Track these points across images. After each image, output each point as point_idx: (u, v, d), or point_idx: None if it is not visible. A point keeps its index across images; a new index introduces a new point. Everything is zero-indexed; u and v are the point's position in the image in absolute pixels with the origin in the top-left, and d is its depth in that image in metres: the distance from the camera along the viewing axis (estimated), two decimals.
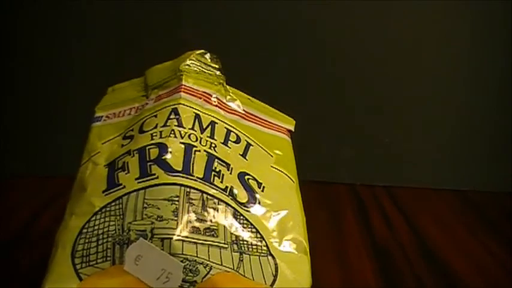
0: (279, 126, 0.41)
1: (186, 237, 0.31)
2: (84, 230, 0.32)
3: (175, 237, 0.31)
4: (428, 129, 0.77)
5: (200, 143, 0.35)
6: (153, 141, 0.34)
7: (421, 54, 0.74)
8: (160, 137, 0.34)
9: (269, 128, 0.40)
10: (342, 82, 0.75)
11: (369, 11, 0.73)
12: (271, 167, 0.38)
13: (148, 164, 0.33)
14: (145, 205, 0.32)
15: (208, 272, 0.31)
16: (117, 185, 0.33)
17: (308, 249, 0.35)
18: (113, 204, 0.33)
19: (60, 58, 0.72)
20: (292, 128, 0.41)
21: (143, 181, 0.33)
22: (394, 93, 0.76)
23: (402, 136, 0.78)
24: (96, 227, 0.32)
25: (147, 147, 0.34)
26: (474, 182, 0.78)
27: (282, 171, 0.38)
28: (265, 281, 0.32)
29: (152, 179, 0.32)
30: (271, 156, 0.38)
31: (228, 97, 0.40)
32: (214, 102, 0.38)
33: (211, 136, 0.36)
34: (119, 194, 0.33)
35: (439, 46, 0.74)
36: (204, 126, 0.36)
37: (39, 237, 0.56)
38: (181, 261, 0.31)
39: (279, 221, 0.35)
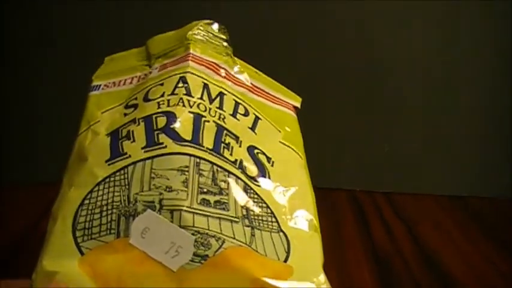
0: (285, 102, 0.38)
1: (197, 209, 0.29)
2: (86, 201, 0.29)
3: (185, 209, 0.28)
4: (428, 136, 0.76)
5: (209, 113, 0.32)
6: (160, 110, 0.31)
7: (422, 61, 0.73)
8: (168, 106, 0.31)
9: (276, 103, 0.38)
10: (341, 89, 0.73)
11: (370, 13, 0.71)
12: (280, 142, 0.35)
13: (156, 132, 0.30)
14: (152, 175, 0.29)
15: (220, 246, 0.28)
16: (121, 154, 0.30)
17: (319, 228, 0.33)
18: (118, 174, 0.30)
19: (60, 66, 0.69)
20: (298, 105, 0.39)
21: (150, 150, 0.30)
22: (394, 100, 0.75)
23: (402, 143, 0.76)
24: (99, 198, 0.29)
25: (153, 116, 0.31)
26: (474, 189, 0.77)
27: (291, 147, 0.35)
28: (278, 257, 0.30)
29: (160, 148, 0.30)
30: (279, 131, 0.36)
31: (236, 69, 0.37)
32: (223, 73, 0.35)
33: (220, 107, 0.33)
34: (124, 163, 0.30)
35: (441, 55, 0.73)
36: (213, 97, 0.33)
37: (38, 245, 0.54)
38: (193, 234, 0.28)
39: (289, 197, 0.33)
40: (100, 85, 0.36)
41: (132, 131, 0.31)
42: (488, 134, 0.75)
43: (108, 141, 0.31)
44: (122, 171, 0.30)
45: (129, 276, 0.28)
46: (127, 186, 0.29)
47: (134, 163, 0.30)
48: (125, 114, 0.33)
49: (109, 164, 0.30)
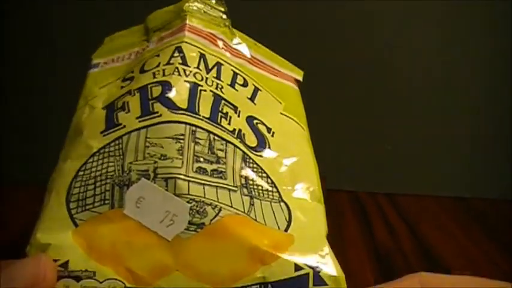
0: (286, 74, 0.37)
1: (192, 177, 0.28)
2: (81, 173, 0.28)
3: (180, 177, 0.27)
4: (430, 137, 0.75)
5: (206, 82, 0.31)
6: (155, 80, 0.30)
7: (423, 62, 0.72)
8: (163, 75, 0.30)
9: (276, 76, 0.36)
10: (343, 90, 0.72)
11: (370, 14, 0.70)
12: (281, 113, 0.34)
13: (151, 102, 0.29)
14: (147, 144, 0.28)
15: (217, 214, 0.27)
16: (116, 125, 0.29)
17: (322, 198, 0.31)
18: (112, 144, 0.28)
19: (60, 66, 0.69)
20: (300, 78, 0.38)
21: (145, 119, 0.29)
22: (395, 98, 0.73)
23: (404, 144, 0.75)
24: (93, 169, 0.28)
25: (148, 86, 0.30)
26: (476, 190, 0.76)
27: (292, 118, 0.34)
28: (278, 227, 0.28)
29: (155, 117, 0.28)
30: (280, 103, 0.35)
31: (234, 40, 0.36)
32: (220, 44, 0.34)
33: (218, 77, 0.32)
34: (119, 134, 0.29)
35: (442, 56, 0.72)
36: (210, 67, 0.32)
37: None
38: (188, 202, 0.27)
39: (291, 167, 0.31)
40: (99, 63, 0.35)
41: (127, 102, 0.30)
42: (490, 134, 0.74)
43: (104, 114, 0.30)
44: (117, 142, 0.29)
45: (123, 246, 0.27)
46: (121, 156, 0.28)
47: (129, 133, 0.28)
48: (122, 87, 0.32)
49: (104, 135, 0.29)
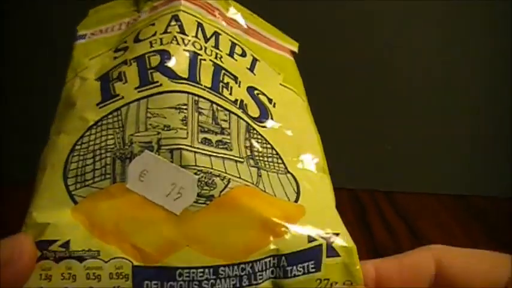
0: (282, 45, 0.36)
1: (198, 148, 0.26)
2: (77, 147, 0.26)
3: (186, 147, 0.25)
4: (430, 135, 0.74)
5: (205, 52, 0.29)
6: (153, 49, 0.28)
7: (422, 60, 0.71)
8: (161, 44, 0.28)
9: (273, 47, 0.35)
10: (342, 88, 0.71)
11: (370, 14, 0.69)
12: (280, 84, 0.32)
13: (149, 71, 0.27)
14: (148, 115, 0.26)
15: (226, 185, 0.25)
16: (113, 96, 0.27)
17: (327, 169, 0.30)
18: (110, 116, 0.26)
19: (60, 66, 0.66)
20: (295, 49, 0.36)
21: (145, 90, 0.27)
22: (395, 98, 0.73)
23: (403, 141, 0.74)
24: (91, 143, 0.26)
25: (146, 55, 0.28)
26: (475, 187, 0.75)
27: (292, 89, 0.33)
28: (288, 198, 0.27)
29: (155, 87, 0.27)
30: (279, 74, 0.33)
31: (231, 10, 0.34)
32: (216, 13, 0.32)
33: (216, 46, 0.30)
34: (117, 105, 0.27)
35: (442, 55, 0.71)
36: (208, 36, 0.30)
37: None
38: (195, 173, 0.25)
39: (294, 138, 0.30)
40: (86, 34, 0.33)
41: (124, 72, 0.28)
42: (489, 133, 0.73)
43: (98, 85, 0.28)
44: (115, 113, 0.27)
45: (128, 223, 0.25)
46: (121, 128, 0.26)
47: (128, 104, 0.27)
48: (115, 58, 0.30)
49: (100, 107, 0.27)
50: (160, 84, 0.27)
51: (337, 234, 0.27)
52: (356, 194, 0.73)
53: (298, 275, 0.26)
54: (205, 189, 0.25)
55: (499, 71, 0.71)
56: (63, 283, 0.24)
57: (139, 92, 0.27)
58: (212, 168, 0.26)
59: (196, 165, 0.25)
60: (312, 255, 0.26)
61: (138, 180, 0.25)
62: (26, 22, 0.68)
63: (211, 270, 0.25)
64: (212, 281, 0.25)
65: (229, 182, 0.26)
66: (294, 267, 0.26)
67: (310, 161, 0.29)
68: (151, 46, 0.28)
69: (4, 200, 0.65)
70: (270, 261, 0.25)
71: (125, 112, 0.27)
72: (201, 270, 0.25)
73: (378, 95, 0.73)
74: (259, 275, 0.25)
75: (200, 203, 0.25)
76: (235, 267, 0.25)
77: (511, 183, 0.73)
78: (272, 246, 0.25)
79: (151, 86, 0.27)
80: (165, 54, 0.28)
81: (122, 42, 0.30)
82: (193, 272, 0.24)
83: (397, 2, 0.70)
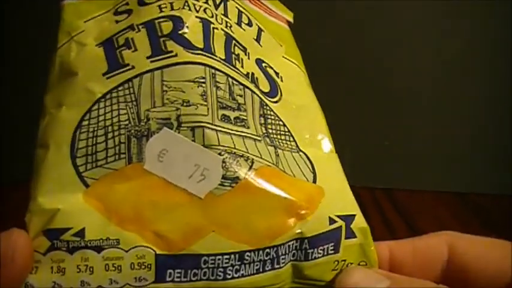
0: (280, 15, 0.33)
1: (219, 126, 0.24)
2: (85, 123, 0.23)
3: (208, 126, 0.23)
4: (429, 132, 0.73)
5: (216, 20, 0.27)
6: (163, 14, 0.25)
7: (423, 58, 0.70)
8: (172, 9, 0.25)
9: (273, 17, 0.33)
10: (341, 84, 0.69)
11: (370, 11, 0.68)
12: (283, 57, 0.30)
13: (162, 39, 0.24)
14: (165, 88, 0.24)
15: (251, 166, 0.24)
16: (122, 65, 0.24)
17: (334, 148, 0.30)
18: (121, 88, 0.23)
19: None
20: (291, 20, 0.34)
21: (158, 60, 0.24)
22: (394, 95, 0.71)
23: (402, 138, 0.73)
24: (101, 118, 0.23)
25: (156, 21, 0.25)
26: (475, 185, 0.75)
27: (294, 62, 0.31)
28: (306, 178, 0.26)
29: (170, 57, 0.24)
30: (281, 45, 0.31)
31: None
32: None
33: (225, 14, 0.28)
34: (128, 76, 0.24)
35: (441, 50, 0.70)
36: (217, 2, 0.27)
37: None
38: (219, 154, 0.23)
39: (301, 115, 0.28)
40: None
41: (132, 39, 0.25)
42: (489, 130, 0.73)
43: (102, 52, 0.25)
44: (126, 85, 0.24)
45: (148, 208, 0.22)
46: (135, 102, 0.23)
47: (140, 75, 0.24)
48: (117, 22, 0.26)
49: (108, 78, 0.24)
50: (176, 54, 0.24)
51: (354, 214, 0.26)
52: (355, 190, 0.72)
53: (318, 257, 0.25)
54: (231, 171, 0.23)
55: (499, 69, 0.71)
56: (79, 276, 0.21)
57: (152, 62, 0.24)
58: (235, 148, 0.24)
59: (220, 145, 0.23)
60: (332, 237, 0.25)
61: (157, 160, 0.23)
62: (26, 22, 0.64)
63: (237, 256, 0.23)
64: (237, 266, 0.23)
65: (253, 162, 0.24)
66: (315, 250, 0.25)
67: (318, 139, 0.28)
68: (161, 11, 0.25)
69: (4, 199, 0.60)
70: (293, 244, 0.24)
71: (138, 84, 0.24)
72: (227, 256, 0.23)
73: (375, 90, 0.71)
74: (282, 259, 0.24)
75: (226, 186, 0.23)
76: (261, 251, 0.23)
77: (510, 181, 0.73)
78: (297, 230, 0.24)
79: (165, 55, 0.24)
80: (178, 21, 0.25)
81: (121, 4, 0.27)
82: (219, 259, 0.23)
83: (399, 2, 0.69)
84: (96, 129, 0.23)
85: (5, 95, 0.67)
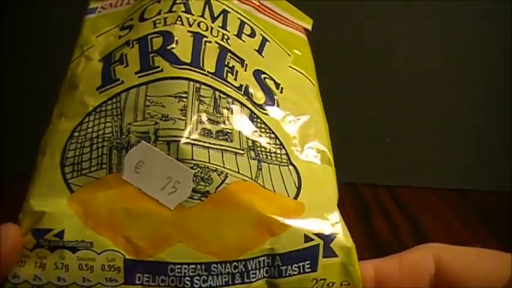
0: (296, 23, 0.32)
1: (197, 140, 0.24)
2: (76, 134, 0.24)
3: (183, 140, 0.23)
4: (430, 129, 0.71)
5: (211, 33, 0.26)
6: (156, 29, 0.26)
7: (423, 55, 0.67)
8: (165, 24, 0.26)
9: (285, 25, 0.32)
10: (343, 83, 0.67)
11: (370, 11, 0.66)
12: (290, 67, 0.29)
13: (151, 55, 0.25)
14: (147, 103, 0.24)
15: (223, 181, 0.23)
16: (114, 80, 0.25)
17: (332, 160, 0.28)
18: (109, 102, 0.24)
19: (64, 59, 0.65)
20: (309, 27, 0.33)
21: (145, 75, 0.24)
22: (396, 93, 0.69)
23: (404, 136, 0.71)
24: (89, 130, 0.24)
25: (148, 37, 0.26)
26: (476, 182, 0.72)
27: (302, 73, 0.30)
28: (288, 194, 0.25)
29: (155, 73, 0.24)
30: (289, 55, 0.30)
31: None
32: None
33: (223, 27, 0.27)
34: (116, 90, 0.25)
35: (441, 48, 0.67)
36: (216, 15, 0.27)
37: None
38: (192, 167, 0.23)
39: (300, 127, 0.27)
40: (96, 8, 0.30)
41: (125, 55, 0.25)
42: (490, 127, 0.70)
43: (101, 67, 0.26)
44: (114, 99, 0.24)
45: (122, 215, 0.23)
46: (119, 116, 0.24)
47: (127, 90, 0.24)
48: (120, 37, 0.27)
49: (100, 92, 0.25)
50: (161, 70, 0.24)
51: (335, 234, 0.25)
52: (356, 188, 0.71)
53: (294, 275, 0.24)
54: (201, 185, 0.23)
55: (499, 67, 0.67)
56: (56, 272, 0.23)
57: (139, 77, 0.24)
58: (209, 163, 0.23)
59: (193, 159, 0.23)
60: (308, 255, 0.24)
61: (134, 171, 0.24)
62: (26, 22, 0.66)
63: (203, 266, 0.23)
64: (204, 277, 0.23)
65: (226, 177, 0.23)
66: (289, 267, 0.24)
67: (315, 152, 0.27)
68: (155, 26, 0.26)
69: (6, 192, 0.62)
70: (264, 260, 0.24)
71: (124, 98, 0.24)
72: (193, 266, 0.23)
73: (377, 87, 0.69)
74: (253, 274, 0.24)
75: (195, 199, 0.23)
76: (228, 264, 0.23)
77: (510, 178, 0.70)
78: (267, 246, 0.23)
79: (151, 71, 0.24)
80: (168, 36, 0.25)
81: (128, 19, 0.28)
82: (185, 268, 0.23)
83: (399, 2, 0.66)
84: (84, 140, 0.24)
85: (5, 95, 0.68)
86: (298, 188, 0.25)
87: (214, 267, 0.23)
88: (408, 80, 0.69)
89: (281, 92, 0.28)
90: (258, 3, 0.31)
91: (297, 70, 0.29)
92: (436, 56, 0.68)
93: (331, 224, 0.25)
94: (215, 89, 0.25)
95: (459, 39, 0.67)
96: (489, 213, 0.65)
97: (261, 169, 0.25)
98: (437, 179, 0.72)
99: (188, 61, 0.25)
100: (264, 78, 0.27)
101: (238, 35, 0.28)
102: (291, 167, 0.26)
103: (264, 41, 0.29)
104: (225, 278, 0.23)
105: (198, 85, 0.25)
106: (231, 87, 0.26)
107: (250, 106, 0.26)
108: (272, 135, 0.26)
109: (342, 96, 0.68)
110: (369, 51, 0.68)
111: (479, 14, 0.66)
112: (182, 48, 0.25)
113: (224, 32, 0.27)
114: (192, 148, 0.24)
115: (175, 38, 0.25)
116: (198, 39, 0.26)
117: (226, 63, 0.26)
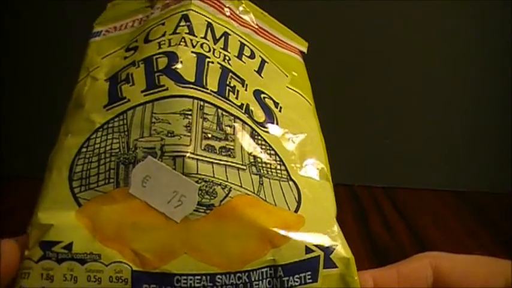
0: (291, 46, 0.33)
1: (201, 155, 0.24)
2: (83, 150, 0.25)
3: (188, 155, 0.24)
4: (428, 131, 0.71)
5: (213, 54, 0.27)
6: (161, 50, 0.26)
7: (422, 56, 0.68)
8: (169, 45, 0.26)
9: (282, 47, 0.33)
10: (340, 83, 0.68)
11: (371, 11, 0.67)
12: (287, 87, 0.30)
13: (156, 74, 0.25)
14: (153, 120, 0.25)
15: (227, 195, 0.24)
16: (120, 98, 0.25)
17: (330, 176, 0.29)
18: (116, 119, 0.25)
19: (64, 58, 0.65)
20: (305, 50, 0.34)
21: (151, 93, 0.25)
22: (394, 94, 0.70)
23: (402, 137, 0.72)
24: (97, 146, 0.25)
25: (154, 57, 0.26)
26: (473, 183, 0.73)
27: (299, 93, 0.30)
28: (288, 207, 0.25)
29: (161, 91, 0.25)
30: (287, 76, 0.31)
31: (241, 8, 0.32)
32: (227, 12, 0.30)
33: (225, 48, 0.28)
34: (123, 108, 0.25)
35: (440, 49, 0.68)
36: (217, 37, 0.28)
37: None
38: (197, 181, 0.24)
39: (298, 144, 0.28)
40: (101, 31, 0.31)
41: (131, 74, 0.26)
42: (488, 128, 0.70)
43: (107, 86, 0.26)
44: (121, 117, 0.25)
45: (129, 228, 0.23)
46: (126, 133, 0.25)
47: (133, 107, 0.25)
48: (125, 58, 0.28)
49: (107, 110, 0.25)
50: (167, 88, 0.25)
51: (335, 245, 0.25)
52: (354, 189, 0.71)
53: (295, 285, 0.24)
54: (206, 198, 0.24)
55: (499, 68, 0.68)
56: (65, 284, 0.23)
57: (145, 95, 0.25)
58: (214, 177, 0.24)
59: (198, 173, 0.24)
60: (309, 266, 0.24)
61: (141, 185, 0.24)
62: (26, 22, 0.66)
63: (208, 277, 0.23)
64: (209, 287, 0.24)
65: (230, 191, 0.24)
66: (291, 278, 0.24)
67: (313, 168, 0.28)
68: (160, 47, 0.26)
69: (8, 191, 0.64)
70: (266, 271, 0.24)
71: (131, 116, 0.25)
72: (198, 277, 0.23)
73: (375, 89, 0.70)
74: (256, 284, 0.24)
75: (200, 212, 0.23)
76: (232, 275, 0.24)
77: (508, 179, 0.70)
78: (269, 257, 0.24)
79: (157, 89, 0.25)
80: (173, 56, 0.26)
81: (133, 41, 0.28)
82: (190, 279, 0.23)
83: (400, 2, 0.67)
84: (92, 155, 0.25)
85: (6, 96, 0.68)
86: (298, 202, 0.26)
87: (219, 278, 0.23)
88: (407, 82, 0.70)
89: (280, 111, 0.28)
90: (257, 27, 0.32)
91: (294, 90, 0.30)
92: (435, 57, 0.69)
93: (330, 236, 0.25)
94: (218, 107, 0.26)
95: (459, 40, 0.68)
96: (488, 214, 0.65)
97: (262, 184, 0.25)
98: (435, 180, 0.72)
99: (192, 80, 0.25)
100: (264, 97, 0.28)
101: (239, 56, 0.29)
102: (291, 182, 0.26)
103: (263, 62, 0.30)
104: None
105: (201, 103, 0.25)
106: (232, 106, 0.26)
107: (251, 124, 0.27)
108: (272, 152, 0.27)
109: (340, 98, 0.69)
110: (368, 53, 0.68)
111: (479, 14, 0.67)
112: (186, 68, 0.26)
113: (225, 53, 0.28)
114: (197, 163, 0.24)
115: (180, 59, 0.26)
116: (201, 59, 0.26)
117: (228, 82, 0.27)
